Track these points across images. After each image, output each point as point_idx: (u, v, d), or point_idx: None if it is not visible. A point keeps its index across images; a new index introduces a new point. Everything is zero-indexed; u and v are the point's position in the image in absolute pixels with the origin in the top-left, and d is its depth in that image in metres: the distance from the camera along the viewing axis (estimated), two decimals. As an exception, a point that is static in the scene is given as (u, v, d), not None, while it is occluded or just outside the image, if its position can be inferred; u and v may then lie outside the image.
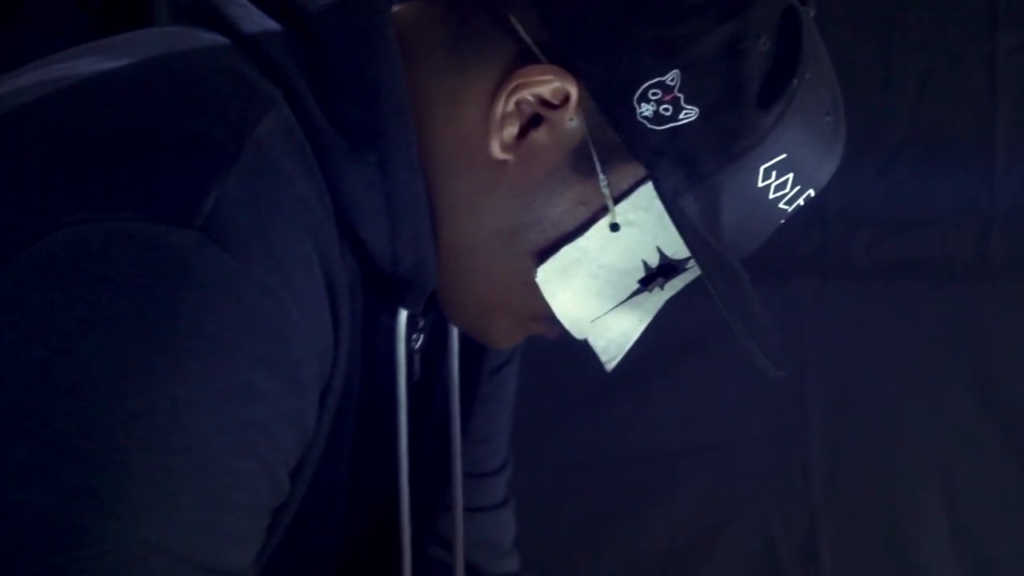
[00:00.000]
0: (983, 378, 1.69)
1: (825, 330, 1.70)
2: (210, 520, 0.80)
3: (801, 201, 0.92)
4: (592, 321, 0.94)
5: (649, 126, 0.87)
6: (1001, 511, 1.68)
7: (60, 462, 0.76)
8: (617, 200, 0.89)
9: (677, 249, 0.91)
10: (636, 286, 0.93)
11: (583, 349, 1.66)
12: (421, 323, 0.97)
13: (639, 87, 0.87)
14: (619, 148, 0.88)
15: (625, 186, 0.89)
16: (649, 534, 1.78)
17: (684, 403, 1.77)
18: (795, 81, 0.88)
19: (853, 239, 1.73)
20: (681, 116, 0.87)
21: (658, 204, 0.89)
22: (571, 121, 0.89)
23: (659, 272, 0.93)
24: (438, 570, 1.07)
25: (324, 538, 0.96)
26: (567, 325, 0.94)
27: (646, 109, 0.87)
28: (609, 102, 0.88)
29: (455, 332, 1.05)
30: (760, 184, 0.89)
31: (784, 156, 0.89)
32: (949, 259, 1.70)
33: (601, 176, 0.89)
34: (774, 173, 0.89)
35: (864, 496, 1.72)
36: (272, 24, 0.89)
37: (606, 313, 0.94)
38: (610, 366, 0.96)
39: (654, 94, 0.87)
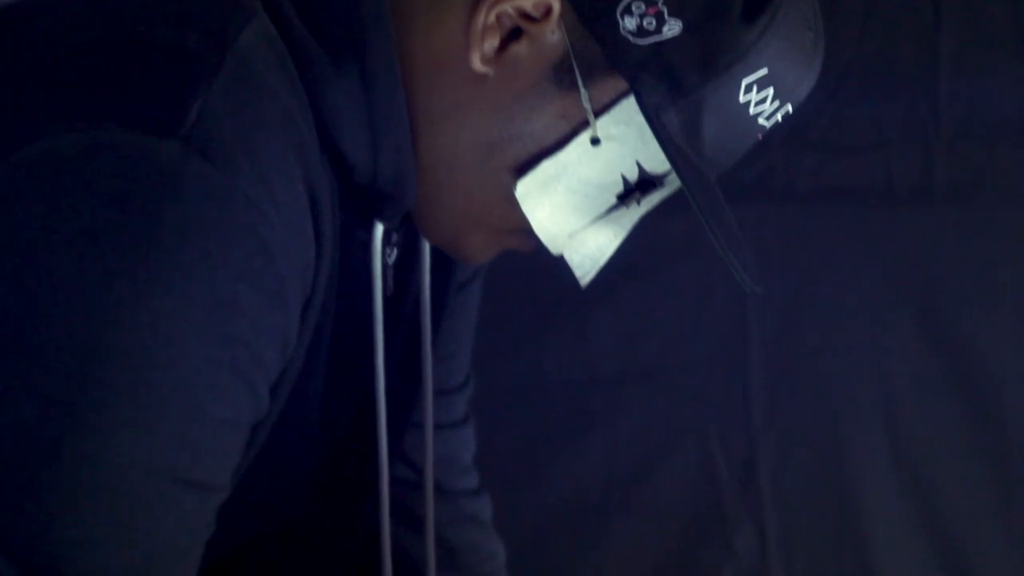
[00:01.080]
0: (925, 303, 1.70)
1: (768, 255, 1.71)
2: (190, 435, 0.80)
3: (779, 117, 0.92)
4: (569, 236, 0.94)
5: (632, 40, 0.87)
6: (942, 435, 1.70)
7: (38, 375, 0.76)
8: (598, 114, 0.89)
9: (656, 164, 0.91)
10: (614, 201, 0.93)
11: (524, 276, 1.67)
12: (395, 238, 0.96)
13: (622, 0, 0.86)
14: (601, 62, 0.88)
15: (607, 100, 0.89)
16: (590, 458, 1.78)
17: (625, 328, 1.77)
18: None
19: (797, 164, 1.73)
20: (664, 30, 0.87)
21: (639, 118, 0.89)
22: (552, 35, 0.88)
23: (637, 187, 0.93)
24: (401, 487, 1.07)
25: (300, 453, 0.96)
26: (544, 240, 0.93)
27: (629, 23, 0.87)
28: (592, 16, 0.87)
29: (426, 247, 1.04)
30: (741, 99, 0.89)
31: (766, 71, 0.88)
32: (893, 184, 1.71)
33: (583, 90, 0.88)
34: (755, 88, 0.89)
35: (805, 420, 1.74)
36: None
37: (583, 228, 0.94)
38: (584, 281, 0.96)
39: (637, 7, 0.86)
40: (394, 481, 1.04)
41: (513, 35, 0.89)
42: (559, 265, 1.61)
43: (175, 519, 0.82)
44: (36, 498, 0.78)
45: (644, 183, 0.92)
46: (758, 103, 0.90)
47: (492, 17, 0.88)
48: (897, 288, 1.70)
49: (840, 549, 1.73)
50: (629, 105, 0.88)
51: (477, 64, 0.89)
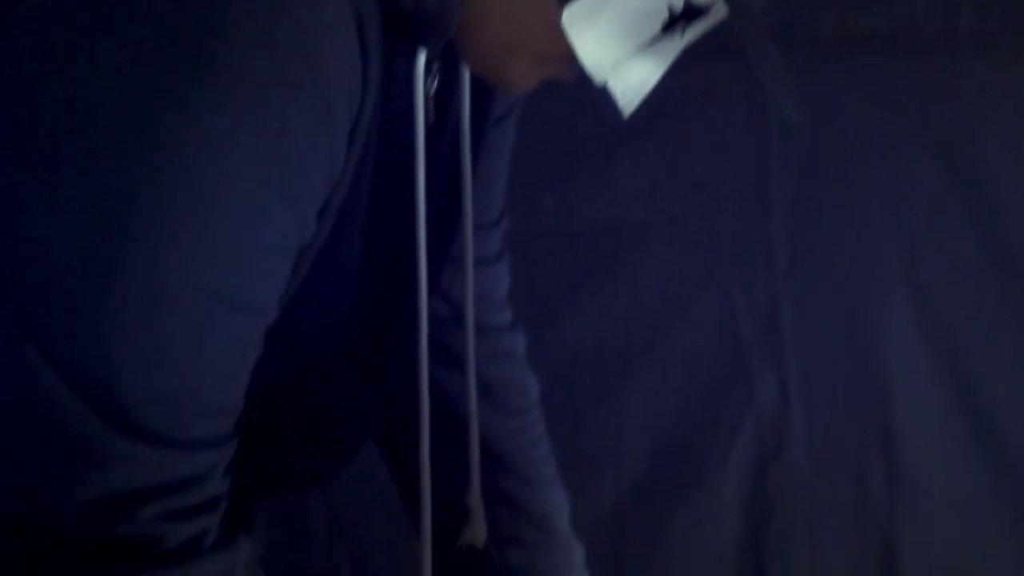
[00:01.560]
0: (949, 150, 1.70)
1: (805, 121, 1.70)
2: (239, 256, 0.81)
3: None
4: (613, 65, 0.93)
5: None
6: (963, 281, 1.71)
7: (89, 196, 0.76)
8: None
9: None
10: (658, 30, 0.92)
11: (551, 124, 1.66)
12: (436, 67, 0.96)
13: None
14: None
15: None
16: (611, 307, 1.79)
17: (649, 177, 1.77)
18: None
19: (821, 12, 1.71)
20: None
21: None
22: None
23: (682, 15, 0.92)
24: (438, 323, 1.07)
25: (342, 283, 0.96)
26: (589, 68, 0.93)
27: None
28: None
29: (466, 78, 1.03)
30: None
31: None
32: (918, 31, 1.69)
33: None
34: None
35: (827, 269, 1.74)
36: None
37: (627, 57, 0.93)
38: (627, 112, 0.96)
39: None
40: (430, 316, 1.04)
41: None
42: (586, 112, 1.62)
43: (224, 340, 0.83)
44: (88, 318, 0.78)
45: (689, 11, 0.91)
46: None
47: None
48: (920, 135, 1.70)
49: (861, 397, 1.75)
50: None
51: None
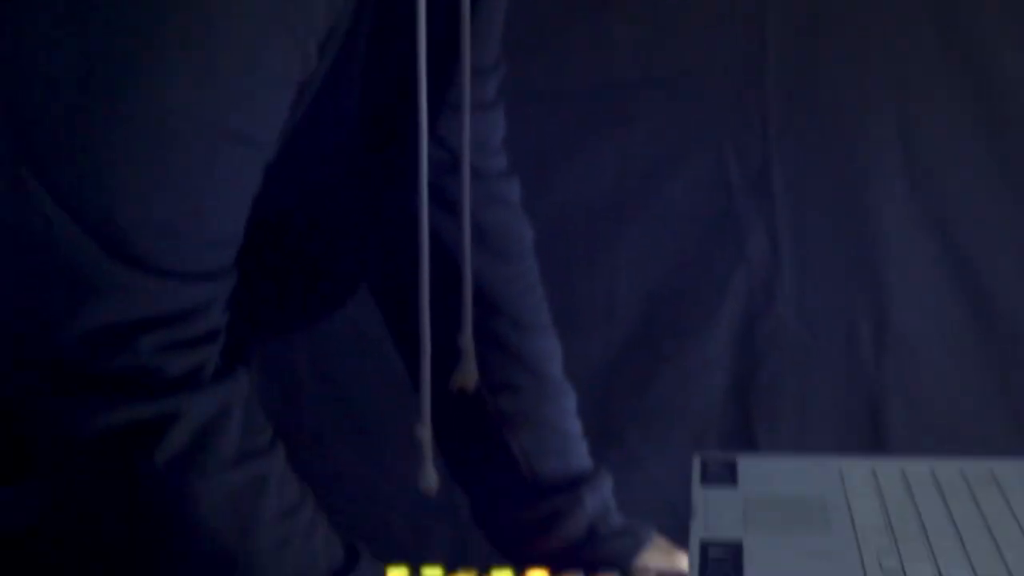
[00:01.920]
0: (947, 14, 1.68)
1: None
2: (240, 87, 0.81)
3: None
4: None
5: None
6: (956, 144, 1.71)
7: (92, 23, 0.77)
8: None
9: None
10: None
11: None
12: None
13: None
14: None
15: None
16: (602, 166, 1.78)
17: (644, 34, 1.75)
18: None
19: None
20: None
21: None
22: None
23: None
24: (434, 169, 1.07)
25: (341, 117, 0.96)
26: None
27: None
28: None
29: None
30: None
31: None
32: None
33: None
34: None
35: (821, 130, 1.73)
36: None
37: None
38: None
39: None
40: (427, 161, 1.04)
41: None
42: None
43: (224, 172, 0.83)
44: (88, 146, 0.79)
45: None
46: None
47: None
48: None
49: (851, 254, 1.75)
50: None
51: None
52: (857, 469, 1.11)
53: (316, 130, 0.93)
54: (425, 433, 1.02)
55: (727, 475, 1.11)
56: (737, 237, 1.76)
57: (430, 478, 1.04)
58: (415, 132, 0.98)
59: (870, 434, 1.73)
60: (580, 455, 1.23)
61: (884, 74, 1.72)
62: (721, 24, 1.74)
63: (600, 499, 1.20)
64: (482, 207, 1.17)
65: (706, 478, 1.10)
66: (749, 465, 1.13)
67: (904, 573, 0.91)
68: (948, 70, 1.71)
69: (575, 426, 1.24)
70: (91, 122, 0.78)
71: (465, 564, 1.17)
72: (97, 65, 0.77)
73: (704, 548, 0.95)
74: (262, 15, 0.79)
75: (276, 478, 0.88)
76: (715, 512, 1.03)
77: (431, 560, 1.18)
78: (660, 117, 1.76)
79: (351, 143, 1.01)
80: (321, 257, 1.06)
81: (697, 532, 0.98)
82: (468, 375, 1.11)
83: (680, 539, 1.20)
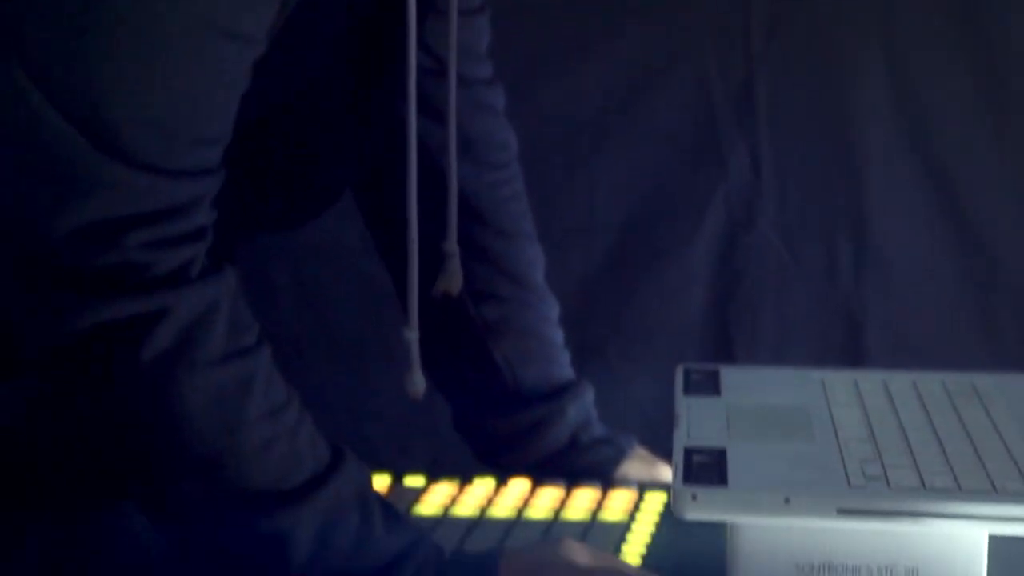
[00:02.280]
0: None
1: None
2: None
3: None
4: None
5: None
6: (940, 65, 1.71)
7: None
8: None
9: None
10: None
11: None
12: None
13: None
14: None
15: None
16: (584, 81, 1.77)
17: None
18: None
19: None
20: None
21: None
22: None
23: None
24: (420, 73, 1.06)
25: (330, 16, 0.95)
26: None
27: None
28: None
29: None
30: None
31: None
32: None
33: None
34: None
35: (804, 44, 1.73)
36: None
37: None
38: None
39: None
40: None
41: None
42: None
43: (213, 68, 0.83)
44: (77, 40, 0.78)
45: None
46: None
47: None
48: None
49: (832, 173, 1.75)
50: None
51: None
52: (839, 381, 1.12)
53: (304, 29, 0.92)
54: (413, 337, 1.02)
55: (710, 385, 1.11)
56: (719, 154, 1.76)
57: (417, 382, 1.04)
58: (402, 37, 0.97)
59: (848, 351, 1.74)
60: (562, 364, 1.24)
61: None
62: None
63: (582, 408, 1.21)
64: (467, 114, 1.17)
65: (689, 388, 1.11)
66: (731, 376, 1.13)
67: (887, 481, 0.91)
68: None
69: (558, 335, 1.24)
70: (80, 17, 0.78)
71: (446, 475, 1.17)
72: None
73: (688, 454, 0.95)
74: None
75: (262, 377, 0.88)
76: (698, 420, 1.03)
77: (412, 471, 1.19)
78: (642, 33, 1.75)
79: (338, 46, 1.00)
80: (306, 159, 1.05)
81: (681, 439, 0.99)
82: (453, 280, 1.11)
83: (660, 452, 1.20)
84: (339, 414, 1.73)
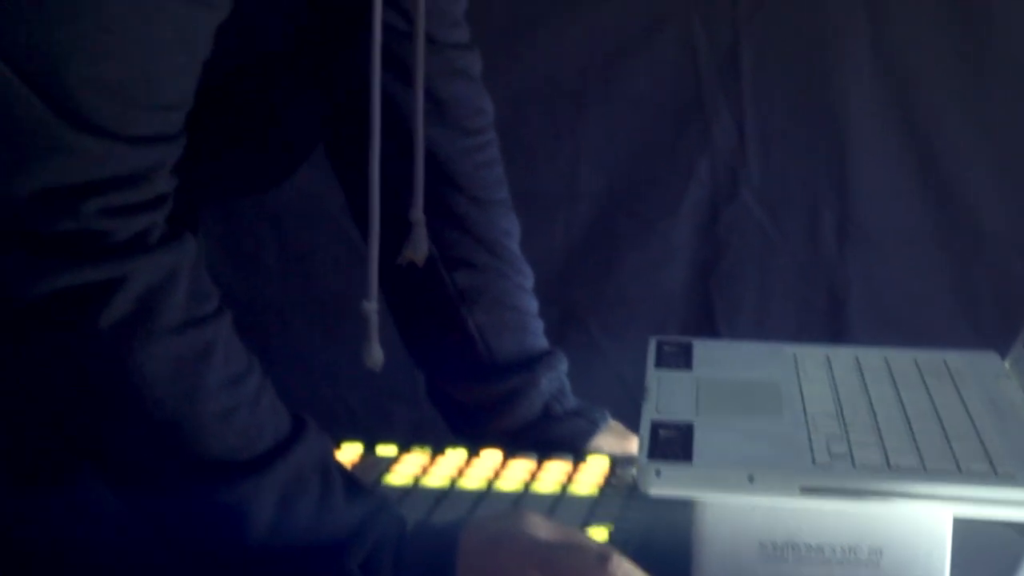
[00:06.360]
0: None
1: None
2: None
3: None
4: None
5: None
6: (923, 34, 1.70)
7: None
8: None
9: None
10: None
11: None
12: None
13: None
14: None
15: None
16: (567, 43, 1.76)
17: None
18: None
19: None
20: None
21: None
22: None
23: None
24: (391, 35, 1.05)
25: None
26: None
27: None
28: None
29: None
30: None
31: None
32: None
33: None
34: None
35: (790, 11, 1.72)
36: None
37: None
38: None
39: None
40: (384, 28, 1.01)
41: None
42: None
43: (173, 33, 0.82)
44: (34, 3, 0.77)
45: None
46: None
47: None
48: None
49: (816, 143, 1.74)
50: None
51: None
52: (812, 356, 1.11)
53: None
54: (372, 308, 1.01)
55: (682, 358, 1.10)
56: (703, 121, 1.75)
57: (375, 354, 1.03)
58: None
59: (830, 323, 1.74)
60: (536, 334, 1.23)
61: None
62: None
63: (555, 379, 1.20)
64: (440, 78, 1.16)
65: (660, 361, 1.10)
66: (704, 349, 1.13)
67: (852, 459, 0.91)
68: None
69: (532, 305, 1.23)
70: None
71: (419, 444, 1.17)
72: None
73: (655, 428, 0.94)
74: None
75: (222, 345, 0.87)
76: (668, 394, 1.03)
77: (389, 439, 1.18)
78: (630, -4, 1.74)
79: (304, 6, 0.99)
80: (271, 120, 1.04)
81: (648, 413, 0.98)
82: (418, 249, 1.10)
83: (636, 425, 1.19)
84: (320, 379, 1.73)
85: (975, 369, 1.09)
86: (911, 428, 0.96)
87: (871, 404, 1.01)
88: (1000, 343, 1.17)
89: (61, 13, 0.78)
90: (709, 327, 1.74)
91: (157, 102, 0.83)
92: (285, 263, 1.79)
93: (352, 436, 1.18)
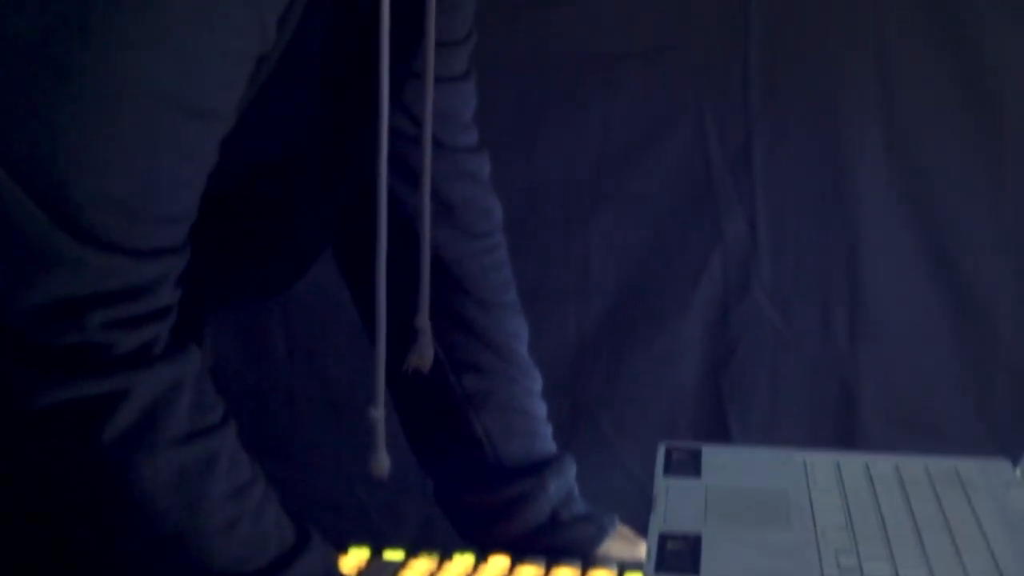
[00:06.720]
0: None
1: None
2: (198, 60, 0.80)
3: None
4: None
5: None
6: (938, 130, 1.69)
7: None
8: None
9: None
10: None
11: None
12: None
13: None
14: None
15: None
16: (584, 135, 1.76)
17: (626, 5, 1.73)
18: None
19: None
20: None
21: None
22: None
23: None
24: (399, 139, 1.05)
25: (300, 93, 0.95)
26: None
27: None
28: None
29: None
30: None
31: None
32: None
33: None
34: None
35: (802, 107, 1.72)
36: None
37: None
38: None
39: None
40: (394, 134, 1.02)
41: None
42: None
43: (177, 146, 0.82)
44: (41, 116, 0.78)
45: None
46: None
47: None
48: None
49: (828, 239, 1.74)
50: None
51: None
52: (822, 463, 1.10)
53: (276, 100, 0.91)
54: (378, 416, 1.01)
55: (691, 465, 1.09)
56: (715, 218, 1.75)
57: (382, 462, 1.03)
58: (377, 101, 0.96)
59: (842, 422, 1.73)
60: (545, 438, 1.22)
61: (868, 54, 1.70)
62: (704, -1, 1.72)
63: (564, 484, 1.19)
64: (449, 181, 1.16)
65: (669, 468, 1.09)
66: (713, 456, 1.11)
67: (861, 572, 0.89)
68: (932, 51, 1.69)
69: (540, 408, 1.22)
70: (44, 92, 0.77)
71: (431, 546, 1.16)
72: (52, 34, 0.76)
73: (662, 540, 0.93)
74: None
75: (226, 457, 0.87)
76: (676, 503, 1.01)
77: (399, 538, 1.17)
78: (641, 90, 1.75)
79: (313, 111, 0.99)
80: (280, 229, 1.04)
81: (656, 524, 0.97)
82: (424, 356, 1.10)
83: (646, 529, 1.18)
84: (330, 472, 1.72)
85: (987, 478, 1.08)
86: (921, 540, 0.95)
87: (881, 514, 1.00)
88: (1014, 444, 1.16)
89: (67, 127, 0.78)
90: (720, 424, 1.72)
91: (162, 215, 0.83)
92: (294, 352, 1.78)
93: (360, 535, 1.17)
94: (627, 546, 1.18)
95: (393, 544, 1.16)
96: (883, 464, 1.09)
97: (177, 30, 0.78)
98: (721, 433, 1.71)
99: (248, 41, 0.82)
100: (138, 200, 0.81)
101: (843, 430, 1.70)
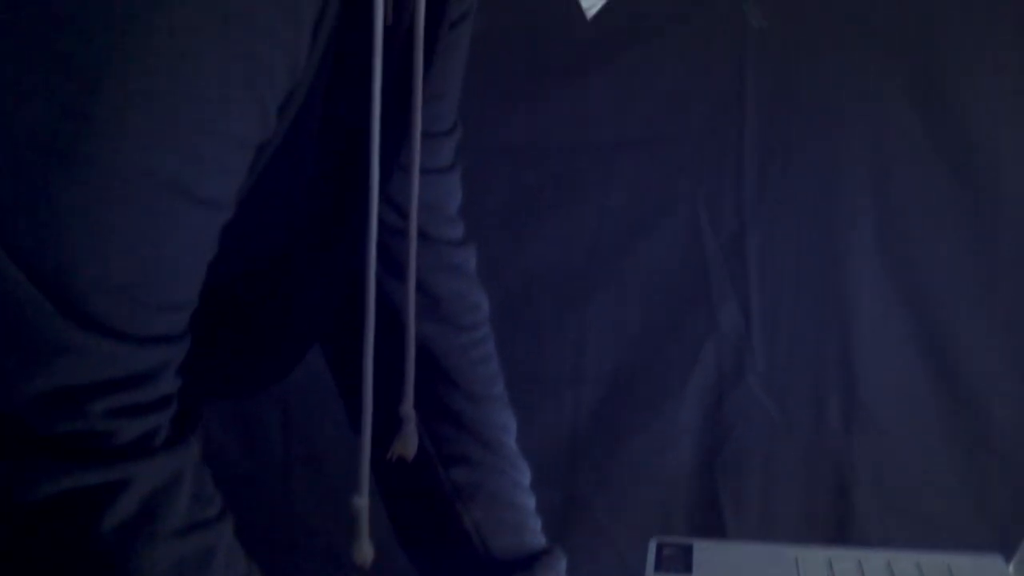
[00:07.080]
0: (921, 77, 1.68)
1: (768, 27, 1.67)
2: (199, 148, 0.79)
3: None
4: None
5: None
6: (931, 218, 1.70)
7: (55, 80, 0.75)
8: None
9: None
10: None
11: (522, 38, 1.63)
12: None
13: None
14: None
15: None
16: (575, 227, 1.77)
17: (620, 94, 1.74)
18: None
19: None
20: None
21: None
22: None
23: None
24: (385, 232, 1.05)
25: (296, 179, 0.94)
26: None
27: None
28: None
29: None
30: None
31: None
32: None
33: None
34: None
35: (796, 197, 1.72)
36: None
37: None
38: (591, 13, 0.93)
39: None
40: (381, 225, 1.02)
41: None
42: (558, 29, 1.59)
43: (181, 234, 0.82)
44: (46, 203, 0.77)
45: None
46: None
47: None
48: (895, 62, 1.67)
49: (822, 327, 1.74)
50: None
51: None
52: (813, 560, 1.09)
53: (272, 189, 0.91)
54: (362, 504, 1.00)
55: (681, 562, 1.08)
56: (709, 305, 1.75)
57: (365, 550, 1.01)
58: (366, 193, 0.96)
59: (836, 510, 1.72)
60: (534, 531, 1.21)
61: (861, 137, 1.71)
62: (698, 84, 1.73)
63: (555, 579, 1.18)
64: (435, 274, 1.16)
65: (660, 565, 1.08)
66: (705, 552, 1.11)
67: (851, 675, 0.88)
68: (927, 140, 1.70)
69: (529, 501, 1.21)
70: (48, 179, 0.76)
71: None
72: (58, 123, 0.76)
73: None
74: (224, 76, 0.78)
75: (223, 550, 0.86)
76: (666, 601, 1.00)
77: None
78: (635, 179, 1.76)
79: (306, 202, 0.99)
80: (274, 317, 1.04)
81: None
82: (408, 445, 1.08)
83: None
84: (324, 560, 1.71)
85: (979, 574, 1.07)
86: (912, 641, 0.94)
87: (872, 614, 0.99)
88: (1007, 535, 1.15)
89: (71, 214, 0.78)
90: (714, 513, 1.72)
91: (164, 303, 0.83)
92: (289, 438, 1.78)
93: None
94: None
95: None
96: (875, 560, 1.08)
97: (181, 118, 0.77)
98: (715, 520, 1.70)
99: (251, 130, 0.82)
100: (141, 287, 0.81)
101: (836, 517, 1.70)
